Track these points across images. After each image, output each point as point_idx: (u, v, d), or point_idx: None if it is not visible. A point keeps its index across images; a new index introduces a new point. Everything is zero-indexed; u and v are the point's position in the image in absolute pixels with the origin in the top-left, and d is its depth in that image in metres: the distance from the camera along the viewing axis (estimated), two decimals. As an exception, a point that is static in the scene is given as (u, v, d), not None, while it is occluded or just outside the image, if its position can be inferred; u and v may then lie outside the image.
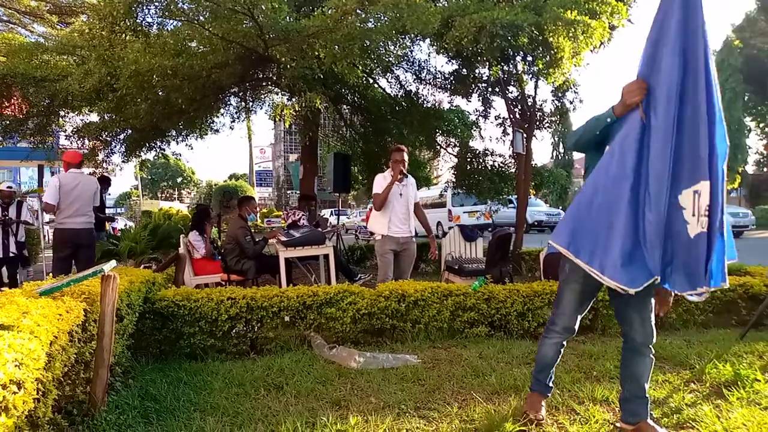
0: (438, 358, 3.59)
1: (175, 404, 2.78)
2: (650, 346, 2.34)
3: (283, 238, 5.88)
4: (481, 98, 9.03)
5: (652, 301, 2.34)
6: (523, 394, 2.86)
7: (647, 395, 2.37)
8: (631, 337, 2.38)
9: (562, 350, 2.56)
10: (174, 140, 9.80)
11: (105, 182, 9.42)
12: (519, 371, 3.23)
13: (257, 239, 6.16)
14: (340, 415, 2.63)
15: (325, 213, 20.94)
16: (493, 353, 3.65)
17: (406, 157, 5.01)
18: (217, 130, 10.13)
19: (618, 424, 2.46)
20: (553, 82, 7.21)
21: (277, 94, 10.59)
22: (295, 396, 2.93)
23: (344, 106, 10.56)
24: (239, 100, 10.07)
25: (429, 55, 13.47)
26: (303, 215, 7.41)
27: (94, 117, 8.97)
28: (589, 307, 2.52)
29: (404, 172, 4.98)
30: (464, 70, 8.21)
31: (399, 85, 9.75)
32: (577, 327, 2.50)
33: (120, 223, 18.09)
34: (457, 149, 9.95)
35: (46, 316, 2.00)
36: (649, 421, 2.36)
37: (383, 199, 4.88)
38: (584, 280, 2.31)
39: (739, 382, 2.94)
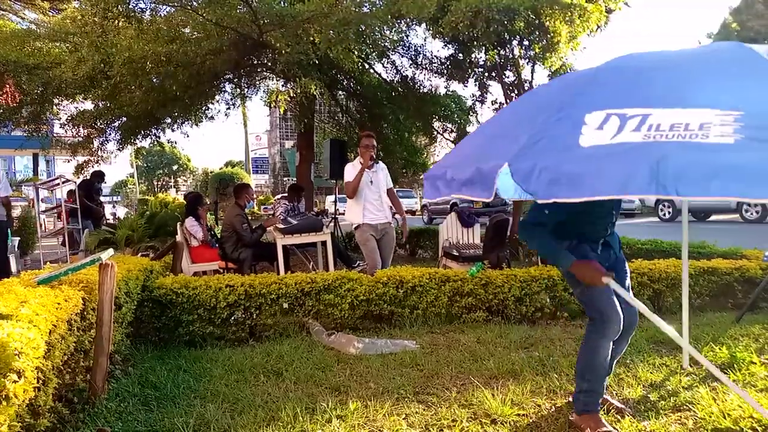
0: (436, 344, 3.60)
1: (175, 391, 2.79)
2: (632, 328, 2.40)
3: (281, 226, 5.88)
4: (477, 83, 8.99)
5: (626, 284, 2.41)
6: (520, 378, 2.88)
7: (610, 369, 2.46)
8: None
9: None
10: (169, 128, 9.75)
11: (99, 176, 9.45)
12: (517, 356, 3.25)
13: (254, 227, 6.15)
14: (339, 401, 2.65)
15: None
16: (491, 338, 3.67)
17: (375, 143, 5.03)
18: (212, 117, 10.06)
19: None
20: (549, 67, 7.18)
21: (272, 80, 10.51)
22: (295, 382, 2.95)
23: (340, 92, 10.51)
24: (234, 86, 9.99)
25: (425, 40, 13.31)
26: (286, 206, 7.35)
27: (88, 105, 8.93)
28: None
29: (374, 157, 4.98)
30: (460, 54, 8.17)
31: (395, 71, 9.70)
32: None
33: (121, 211, 18.11)
34: (453, 135, 9.92)
35: (44, 305, 2.00)
36: (606, 396, 2.47)
37: (354, 187, 4.87)
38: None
39: (735, 365, 2.97)
